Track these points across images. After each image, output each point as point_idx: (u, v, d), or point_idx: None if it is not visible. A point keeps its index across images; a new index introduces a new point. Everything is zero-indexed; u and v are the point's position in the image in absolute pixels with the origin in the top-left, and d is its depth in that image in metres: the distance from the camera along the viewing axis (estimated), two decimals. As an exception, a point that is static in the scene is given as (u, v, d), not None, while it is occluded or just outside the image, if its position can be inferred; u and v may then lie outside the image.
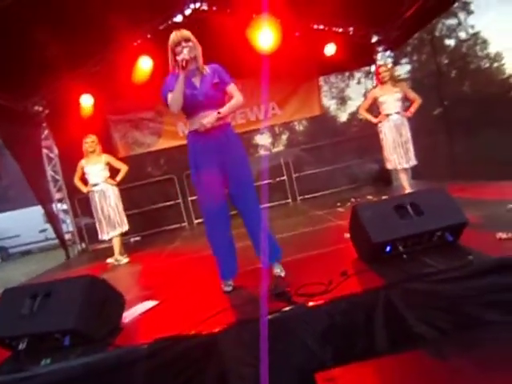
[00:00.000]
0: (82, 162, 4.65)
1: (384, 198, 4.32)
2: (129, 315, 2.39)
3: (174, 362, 1.85)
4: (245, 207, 2.52)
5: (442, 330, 1.86)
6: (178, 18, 5.98)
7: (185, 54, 2.30)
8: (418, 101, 4.52)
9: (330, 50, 6.40)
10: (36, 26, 4.27)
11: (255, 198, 2.55)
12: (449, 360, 1.58)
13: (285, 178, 7.36)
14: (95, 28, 4.90)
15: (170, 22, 5.96)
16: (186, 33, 2.42)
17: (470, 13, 13.93)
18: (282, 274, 2.55)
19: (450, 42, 14.36)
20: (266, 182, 6.52)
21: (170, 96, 2.36)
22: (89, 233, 6.74)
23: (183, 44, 2.36)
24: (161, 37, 5.76)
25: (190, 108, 2.42)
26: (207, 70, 2.47)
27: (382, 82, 4.57)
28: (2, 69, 4.61)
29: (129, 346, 1.93)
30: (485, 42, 13.80)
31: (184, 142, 7.63)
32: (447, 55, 13.83)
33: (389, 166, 4.69)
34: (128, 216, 4.94)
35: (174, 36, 2.39)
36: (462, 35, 14.07)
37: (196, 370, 1.86)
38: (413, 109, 4.53)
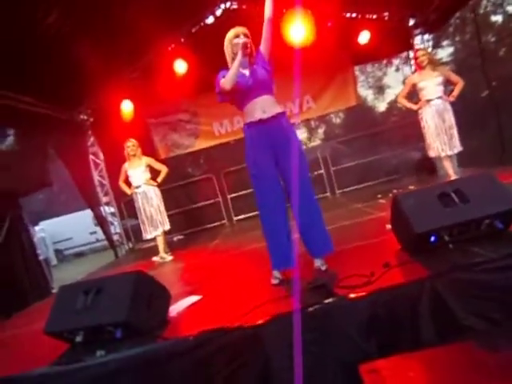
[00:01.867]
0: (125, 166, 4.87)
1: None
2: (175, 309, 2.48)
3: (219, 353, 1.90)
4: (297, 199, 2.46)
5: (493, 321, 1.77)
6: (210, 20, 6.08)
7: (245, 39, 2.47)
8: (460, 83, 4.29)
9: (363, 38, 6.22)
10: (77, 39, 4.52)
11: (309, 190, 2.53)
12: (500, 351, 1.50)
13: (322, 171, 7.27)
14: (131, 36, 5.10)
15: (202, 24, 6.08)
16: (244, 29, 2.57)
17: (516, -15, 12.95)
18: (323, 268, 2.53)
19: (497, 18, 13.42)
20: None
21: (223, 78, 2.46)
22: (135, 233, 7.05)
23: (242, 36, 2.52)
24: (194, 39, 5.92)
25: (242, 96, 2.49)
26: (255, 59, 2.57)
27: (420, 67, 4.38)
28: (49, 82, 4.92)
29: (176, 338, 2.01)
30: (536, 15, 12.77)
31: (220, 141, 7.76)
32: (494, 33, 12.95)
33: (432, 153, 4.50)
34: (170, 215, 5.12)
35: (235, 30, 2.55)
36: (510, 9, 13.10)
37: (241, 362, 1.90)
38: (455, 92, 4.31)
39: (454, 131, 4.33)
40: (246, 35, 2.53)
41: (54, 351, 2.23)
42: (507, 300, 1.82)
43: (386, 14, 6.29)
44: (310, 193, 2.52)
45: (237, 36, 2.52)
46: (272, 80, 2.57)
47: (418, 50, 4.71)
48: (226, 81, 2.41)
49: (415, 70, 4.99)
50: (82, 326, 2.15)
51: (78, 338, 2.15)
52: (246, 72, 2.52)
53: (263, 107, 2.45)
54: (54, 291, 4.77)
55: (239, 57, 2.40)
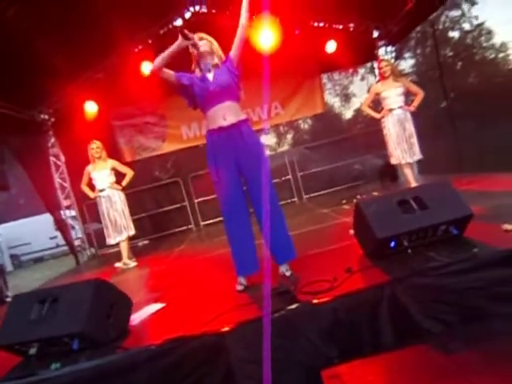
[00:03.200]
0: (89, 168, 4.71)
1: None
2: (137, 318, 2.41)
3: (183, 362, 1.87)
4: (259, 205, 2.48)
5: (449, 323, 1.85)
6: (178, 22, 6.01)
7: (199, 41, 2.46)
8: (420, 94, 4.49)
9: (330, 47, 6.39)
10: (38, 37, 4.34)
11: (273, 196, 2.51)
12: (455, 353, 1.57)
13: (290, 176, 7.36)
14: (97, 36, 4.96)
15: (170, 26, 6.00)
16: (203, 34, 2.58)
17: (473, 3, 13.76)
18: (288, 274, 2.54)
19: (454, 34, 14.19)
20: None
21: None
22: (98, 238, 6.81)
23: (201, 39, 2.51)
24: (162, 41, 5.83)
25: (205, 101, 2.48)
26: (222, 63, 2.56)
27: (383, 77, 4.55)
28: (8, 80, 4.68)
29: (136, 348, 1.95)
30: (490, 33, 13.61)
31: (188, 144, 7.67)
32: (452, 47, 13.68)
33: (393, 160, 4.66)
34: (136, 220, 5.00)
35: (197, 34, 2.53)
36: (466, 26, 13.90)
37: (205, 370, 1.88)
38: (415, 103, 4.50)
39: (414, 140, 4.51)
40: (201, 38, 2.52)
41: (4, 365, 2.10)
42: (460, 303, 1.90)
43: (352, 25, 6.48)
44: (273, 199, 2.51)
45: (198, 39, 2.50)
46: (238, 86, 2.56)
47: (381, 60, 4.89)
48: (157, 59, 2.39)
49: (379, 80, 5.17)
50: (35, 338, 2.04)
51: (32, 351, 2.04)
52: (210, 76, 2.50)
53: (224, 114, 2.44)
54: (9, 300, 4.52)
55: (177, 42, 2.37)
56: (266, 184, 2.45)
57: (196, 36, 2.50)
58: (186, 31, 2.37)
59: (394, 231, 2.25)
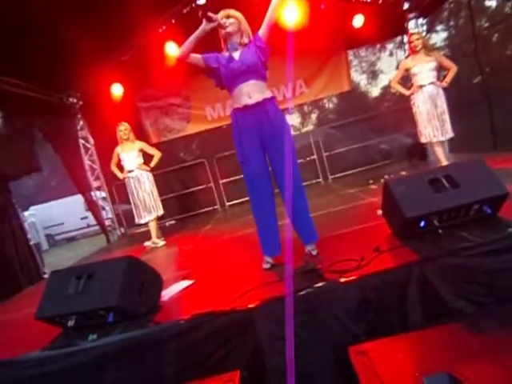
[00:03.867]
0: (118, 149, 4.81)
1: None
2: (167, 294, 2.50)
3: (212, 336, 1.93)
4: (286, 186, 2.48)
5: (480, 304, 1.82)
6: (201, 1, 5.91)
7: (218, 17, 2.40)
8: (453, 69, 4.28)
9: (358, 21, 6.14)
10: (65, 21, 4.39)
11: (296, 176, 2.49)
12: (487, 333, 1.54)
13: (315, 157, 7.27)
14: (121, 18, 4.96)
15: (193, 5, 5.91)
16: (231, 11, 2.51)
17: (512, -31, 12.81)
18: (314, 253, 2.55)
19: (491, 3, 13.30)
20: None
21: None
22: (127, 218, 7.02)
23: (224, 19, 2.45)
24: (185, 21, 5.77)
25: (230, 81, 2.46)
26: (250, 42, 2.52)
27: (414, 52, 4.35)
28: (37, 64, 4.79)
29: (168, 322, 2.03)
30: (530, 1, 12.68)
31: (212, 125, 7.67)
32: (488, 17, 12.85)
33: (423, 139, 4.51)
34: (163, 200, 5.09)
35: (223, 11, 2.49)
36: (505, -6, 12.99)
37: (233, 345, 1.93)
38: (448, 78, 4.30)
39: (446, 117, 4.33)
40: (228, 16, 2.47)
41: (46, 336, 2.24)
42: (492, 283, 1.86)
43: (381, -3, 6.20)
44: (297, 180, 2.51)
45: (224, 17, 2.46)
46: (265, 65, 2.52)
47: (412, 34, 4.66)
48: (182, 47, 2.38)
49: (408, 55, 4.96)
50: (73, 311, 2.16)
51: (70, 323, 2.15)
52: (236, 55, 2.48)
53: (249, 92, 2.42)
54: (46, 276, 4.77)
55: (201, 26, 2.34)
56: (289, 164, 2.45)
57: (223, 13, 2.47)
58: (209, 13, 2.33)
59: (423, 210, 2.21)
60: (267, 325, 1.92)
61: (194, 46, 2.39)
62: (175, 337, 1.93)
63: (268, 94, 2.49)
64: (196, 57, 2.45)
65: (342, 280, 1.96)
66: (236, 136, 2.53)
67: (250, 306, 1.96)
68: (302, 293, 1.94)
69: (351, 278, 1.97)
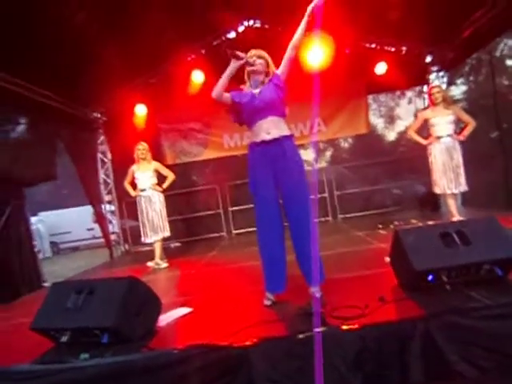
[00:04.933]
0: (134, 168, 4.89)
1: (429, 223, 4.14)
2: (164, 319, 2.46)
3: (204, 370, 1.88)
4: (294, 222, 2.52)
5: (484, 369, 1.75)
6: (232, 35, 6.17)
7: (251, 56, 2.53)
8: (472, 124, 4.33)
9: (380, 69, 6.30)
10: (100, 40, 4.60)
11: (306, 214, 2.49)
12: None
13: (326, 194, 7.27)
14: (155, 43, 5.19)
15: (223, 38, 6.17)
16: (262, 52, 2.64)
17: (535, 33, 13.11)
18: (318, 295, 2.50)
19: (512, 63, 13.54)
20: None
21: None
22: (133, 235, 7.04)
23: (255, 58, 2.57)
24: (213, 52, 6.01)
25: (251, 117, 2.55)
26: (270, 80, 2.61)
27: (434, 104, 4.43)
28: (67, 76, 4.99)
29: (161, 350, 1.99)
30: (550, 64, 12.88)
31: (228, 153, 7.76)
32: (508, 76, 13.06)
33: (437, 190, 4.50)
34: (170, 222, 5.12)
35: (252, 51, 2.62)
36: (526, 55, 13.23)
37: (225, 381, 1.88)
38: (466, 132, 4.34)
39: (461, 170, 4.34)
40: (259, 56, 2.58)
41: (39, 347, 2.21)
42: (499, 350, 1.79)
43: (405, 48, 6.37)
44: (307, 219, 2.48)
45: (255, 56, 2.57)
46: (283, 102, 2.60)
47: (433, 86, 4.76)
48: (215, 88, 2.50)
49: (428, 106, 5.04)
50: (69, 327, 2.14)
51: (64, 338, 2.13)
52: (257, 92, 2.57)
53: (268, 129, 2.49)
54: (45, 284, 4.75)
55: (231, 65, 2.48)
56: (302, 203, 2.49)
57: (254, 52, 2.59)
58: (237, 52, 2.47)
59: (433, 264, 2.17)
60: (262, 365, 1.87)
61: (225, 86, 2.51)
62: (167, 366, 1.89)
63: (286, 132, 2.56)
64: (227, 96, 2.57)
65: (344, 327, 1.91)
66: (251, 169, 2.59)
67: (247, 343, 1.91)
68: (300, 336, 1.89)
69: (353, 326, 1.92)
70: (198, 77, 5.95)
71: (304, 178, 2.55)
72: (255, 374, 1.86)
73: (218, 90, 2.50)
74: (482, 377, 1.75)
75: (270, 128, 2.50)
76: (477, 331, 1.82)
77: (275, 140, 2.49)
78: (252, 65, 2.54)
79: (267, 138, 2.49)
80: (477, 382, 1.73)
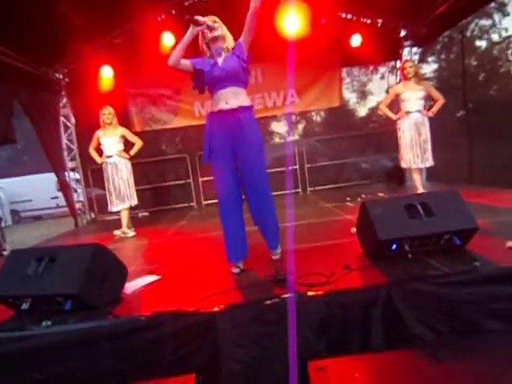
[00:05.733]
0: (99, 133, 4.68)
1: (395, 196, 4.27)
2: (130, 287, 2.43)
3: (170, 336, 1.88)
4: (251, 192, 2.54)
5: (441, 333, 1.85)
6: (204, -5, 5.87)
7: (210, 22, 2.42)
8: (441, 101, 4.41)
9: (355, 41, 6.26)
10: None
11: (265, 185, 2.55)
12: (443, 363, 1.57)
13: (297, 167, 7.31)
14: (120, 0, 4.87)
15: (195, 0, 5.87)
16: (214, 17, 2.52)
17: (505, 14, 13.39)
18: (277, 257, 2.65)
19: (481, 44, 13.86)
20: (278, 169, 6.51)
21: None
22: (99, 204, 6.84)
23: (211, 22, 2.46)
24: (185, 13, 5.72)
25: (212, 85, 2.48)
26: (232, 48, 2.53)
27: (406, 78, 4.46)
28: (26, 33, 4.62)
29: (127, 317, 1.97)
30: (518, 46, 13.27)
31: (199, 122, 7.59)
32: (477, 57, 13.39)
33: (403, 164, 4.62)
34: (138, 191, 4.99)
35: (208, 18, 2.50)
36: (495, 37, 13.56)
37: (191, 348, 1.89)
38: (435, 108, 4.43)
39: (428, 146, 4.46)
40: (214, 21, 2.48)
41: (-4, 316, 2.13)
42: (455, 314, 1.90)
43: (380, 20, 6.33)
44: (265, 192, 2.55)
45: (211, 21, 2.46)
46: (247, 72, 2.54)
47: (406, 60, 4.78)
48: (171, 55, 2.41)
49: (400, 81, 5.09)
50: (30, 294, 2.06)
51: (24, 306, 2.06)
52: (219, 61, 2.49)
53: (227, 98, 2.43)
54: (6, 253, 4.56)
55: (189, 31, 2.38)
56: (259, 173, 2.52)
57: (209, 18, 2.47)
58: (196, 17, 2.35)
59: (397, 234, 2.24)
60: (229, 330, 1.89)
61: (183, 53, 2.41)
62: (132, 332, 1.87)
63: (246, 102, 2.50)
64: (185, 63, 2.46)
65: (310, 293, 1.95)
66: (206, 139, 2.52)
67: (214, 309, 1.92)
68: (268, 302, 1.92)
69: (319, 292, 1.97)
70: (168, 39, 5.66)
71: (262, 151, 2.54)
72: (222, 339, 1.89)
73: (174, 57, 2.39)
74: (439, 341, 1.85)
75: (229, 98, 2.43)
76: (435, 297, 1.91)
77: (233, 110, 2.43)
78: (213, 29, 2.44)
79: (225, 107, 2.42)
80: (434, 346, 1.83)
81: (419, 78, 4.48)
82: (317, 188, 7.32)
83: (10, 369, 1.81)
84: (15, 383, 1.79)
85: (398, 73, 6.96)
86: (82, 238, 5.36)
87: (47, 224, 12.01)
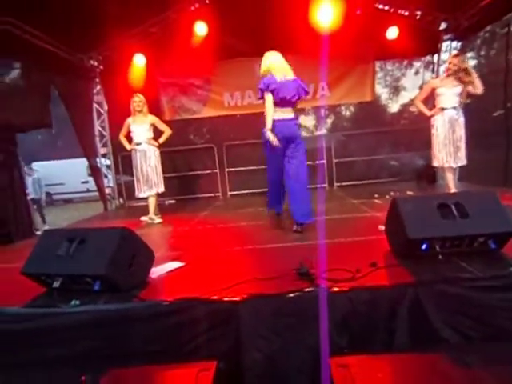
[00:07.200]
0: (129, 120, 4.77)
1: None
2: (156, 272, 2.47)
3: (194, 322, 1.91)
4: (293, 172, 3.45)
5: (469, 337, 1.79)
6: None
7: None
8: (479, 88, 4.07)
9: (392, 33, 6.04)
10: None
11: (303, 170, 3.50)
12: (469, 369, 1.51)
13: (324, 161, 7.21)
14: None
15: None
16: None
17: (554, 9, 12.59)
18: (297, 228, 3.36)
19: (526, 39, 13.11)
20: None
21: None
22: (128, 190, 7.00)
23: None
24: (219, 3, 5.70)
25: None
26: None
27: (447, 74, 4.24)
28: (64, 20, 4.73)
29: (152, 301, 2.01)
30: None
31: (228, 112, 7.56)
32: (520, 53, 12.69)
33: (435, 163, 4.45)
34: (166, 179, 5.07)
35: (272, 57, 3.51)
36: (541, 33, 12.78)
37: (213, 335, 1.91)
38: (467, 91, 4.12)
39: (462, 144, 4.27)
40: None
41: (29, 292, 2.22)
42: (484, 319, 1.83)
43: (419, 12, 6.09)
44: (304, 173, 3.48)
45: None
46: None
47: (455, 55, 4.48)
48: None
49: (436, 76, 4.87)
50: (61, 273, 2.13)
51: (56, 284, 2.13)
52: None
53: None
54: (38, 233, 4.75)
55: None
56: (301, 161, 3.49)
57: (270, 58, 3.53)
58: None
59: (427, 234, 2.17)
60: (251, 320, 1.90)
61: None
62: (157, 316, 1.91)
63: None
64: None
65: (335, 289, 1.92)
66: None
67: (237, 298, 1.93)
68: (291, 295, 1.91)
69: (343, 288, 1.94)
70: (200, 29, 5.67)
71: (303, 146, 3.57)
72: (244, 328, 1.89)
73: None
74: (466, 346, 1.79)
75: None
76: (465, 301, 1.84)
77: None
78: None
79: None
80: (461, 350, 1.77)
81: (467, 72, 4.17)
82: (344, 184, 7.20)
83: (38, 344, 1.88)
84: (43, 358, 1.86)
85: (435, 68, 6.71)
86: (111, 221, 5.51)
87: (77, 207, 12.45)
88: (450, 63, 4.25)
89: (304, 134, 16.59)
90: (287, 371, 1.77)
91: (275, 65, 3.42)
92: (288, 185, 3.47)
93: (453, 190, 4.22)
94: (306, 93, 3.59)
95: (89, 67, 6.39)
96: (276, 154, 3.39)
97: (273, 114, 3.29)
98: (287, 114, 3.41)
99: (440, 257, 2.16)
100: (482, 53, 14.09)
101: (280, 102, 3.31)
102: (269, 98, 3.29)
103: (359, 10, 5.99)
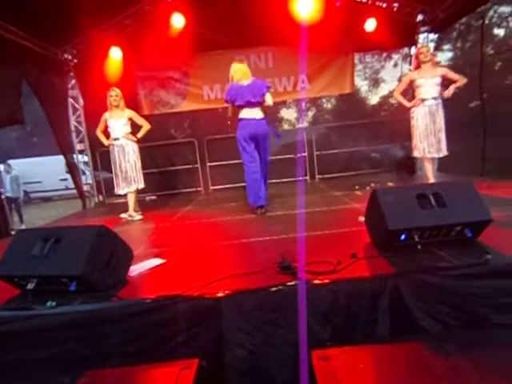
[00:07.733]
0: (106, 115, 4.64)
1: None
2: (136, 269, 2.42)
3: (174, 320, 1.87)
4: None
5: (448, 326, 1.82)
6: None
7: None
8: (462, 80, 4.17)
9: (370, 25, 6.07)
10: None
11: (267, 159, 4.23)
12: (450, 357, 1.53)
13: (305, 154, 7.22)
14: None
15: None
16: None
17: (527, 1, 12.89)
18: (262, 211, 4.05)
19: (500, 32, 13.42)
20: (286, 156, 6.44)
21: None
22: (107, 187, 6.86)
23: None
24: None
25: None
26: None
27: (421, 62, 4.29)
28: (36, 14, 4.56)
29: (132, 300, 1.96)
30: (538, 35, 12.83)
31: (208, 106, 7.49)
32: (494, 45, 12.99)
33: (416, 153, 4.51)
34: (146, 174, 4.97)
35: (236, 67, 4.08)
36: (514, 25, 13.09)
37: (196, 331, 1.88)
38: (456, 84, 4.17)
39: (442, 135, 4.34)
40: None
41: (2, 294, 2.14)
42: (464, 308, 1.86)
43: (396, 4, 6.14)
44: (267, 162, 4.24)
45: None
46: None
47: (422, 46, 4.60)
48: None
49: (415, 68, 4.92)
50: (35, 274, 2.06)
51: (30, 286, 2.06)
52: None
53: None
54: (14, 233, 4.60)
55: None
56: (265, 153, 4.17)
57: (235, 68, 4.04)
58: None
59: (407, 224, 2.19)
60: (233, 316, 1.88)
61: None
62: (137, 315, 1.87)
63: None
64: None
65: (316, 282, 1.92)
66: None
67: (219, 294, 1.91)
68: (273, 289, 1.90)
69: (325, 280, 1.94)
70: (177, 21, 5.56)
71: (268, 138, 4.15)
72: (227, 324, 1.87)
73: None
74: (445, 334, 1.82)
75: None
76: (443, 289, 1.87)
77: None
78: None
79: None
80: (441, 339, 1.79)
81: (435, 62, 4.33)
82: (325, 176, 7.24)
83: (14, 347, 1.82)
84: (19, 362, 1.80)
85: (412, 60, 6.79)
86: (90, 219, 5.39)
87: (56, 205, 12.15)
88: (420, 53, 4.28)
89: (286, 126, 16.66)
90: (269, 366, 1.77)
91: (236, 72, 4.01)
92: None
93: (431, 181, 4.29)
94: (267, 88, 3.97)
95: (63, 61, 6.19)
96: (247, 149, 4.02)
97: (241, 114, 3.97)
98: (254, 113, 3.96)
99: (419, 247, 2.19)
100: (458, 45, 14.38)
101: (246, 105, 3.91)
102: (230, 106, 4.07)
103: (339, 2, 5.99)
